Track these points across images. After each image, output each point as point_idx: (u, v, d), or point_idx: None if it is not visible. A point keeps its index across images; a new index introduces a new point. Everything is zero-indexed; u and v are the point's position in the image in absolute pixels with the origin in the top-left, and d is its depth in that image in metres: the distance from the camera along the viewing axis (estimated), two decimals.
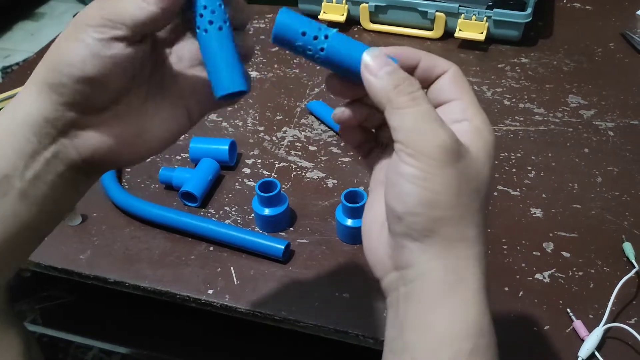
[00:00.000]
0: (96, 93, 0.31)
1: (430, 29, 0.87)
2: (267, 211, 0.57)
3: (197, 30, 0.32)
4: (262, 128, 0.73)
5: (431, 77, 0.32)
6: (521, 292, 0.53)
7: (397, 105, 0.29)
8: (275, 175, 0.66)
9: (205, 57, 0.32)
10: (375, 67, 0.30)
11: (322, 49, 0.31)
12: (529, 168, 0.66)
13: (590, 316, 0.50)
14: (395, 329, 0.31)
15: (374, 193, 0.34)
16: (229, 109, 0.76)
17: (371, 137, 0.36)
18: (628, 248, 0.55)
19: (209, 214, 0.61)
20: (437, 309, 0.29)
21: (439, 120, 0.29)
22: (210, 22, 0.31)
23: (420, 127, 0.28)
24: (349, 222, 0.56)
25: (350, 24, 0.91)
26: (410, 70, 0.32)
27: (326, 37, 0.31)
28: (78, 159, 0.33)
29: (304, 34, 0.31)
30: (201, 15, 0.31)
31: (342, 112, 0.34)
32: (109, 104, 0.32)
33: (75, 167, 0.33)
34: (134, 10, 0.30)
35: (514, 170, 0.65)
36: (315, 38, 0.31)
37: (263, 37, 0.90)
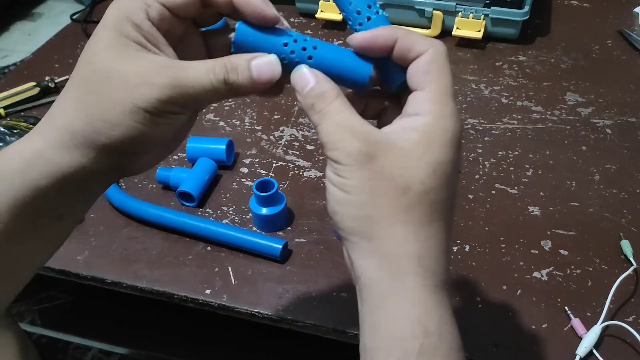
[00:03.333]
0: (146, 148, 0.31)
1: (428, 27, 0.87)
2: (264, 211, 0.57)
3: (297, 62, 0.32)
4: (259, 127, 0.72)
5: (409, 59, 0.31)
6: (519, 290, 0.53)
7: (313, 123, 0.31)
8: (273, 175, 0.66)
9: (338, 74, 0.32)
10: (300, 85, 0.31)
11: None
12: (527, 166, 0.65)
13: (588, 314, 0.50)
14: (360, 327, 0.32)
15: None
16: (226, 108, 0.75)
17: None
18: (626, 245, 0.55)
19: (206, 214, 0.61)
20: (379, 309, 0.30)
21: (348, 126, 0.29)
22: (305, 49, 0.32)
23: (330, 139, 0.30)
24: None
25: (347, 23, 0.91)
26: (390, 50, 0.31)
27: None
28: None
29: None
30: (292, 52, 0.32)
31: None
32: (148, 149, 0.32)
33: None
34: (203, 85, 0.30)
35: (511, 168, 0.65)
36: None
37: None
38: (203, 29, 0.35)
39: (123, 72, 0.29)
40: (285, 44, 0.32)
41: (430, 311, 0.29)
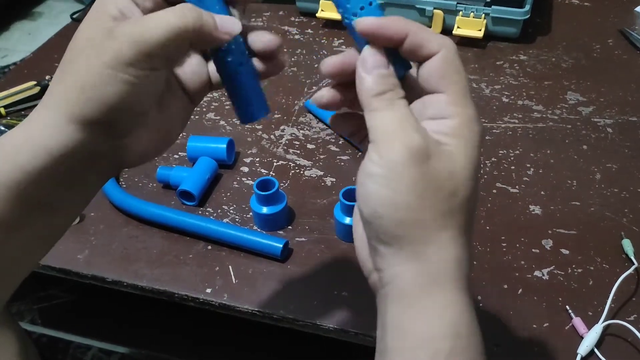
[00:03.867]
0: (127, 120, 0.31)
1: (429, 26, 0.86)
2: (265, 210, 0.57)
3: (223, 67, 0.33)
4: (260, 126, 0.72)
5: (419, 56, 0.30)
6: (520, 290, 0.53)
7: (374, 107, 0.29)
8: (274, 174, 0.65)
9: (229, 90, 0.34)
10: (371, 65, 0.30)
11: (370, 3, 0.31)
12: (528, 165, 0.65)
13: (590, 313, 0.50)
14: (380, 329, 0.31)
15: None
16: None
17: (363, 124, 0.36)
18: (627, 245, 0.55)
19: (207, 213, 0.61)
20: (412, 312, 0.29)
21: (413, 123, 0.29)
22: (235, 62, 0.33)
23: (392, 129, 0.28)
24: (348, 220, 0.55)
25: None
26: (398, 43, 0.30)
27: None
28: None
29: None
30: (227, 57, 0.32)
31: (320, 96, 0.34)
32: (136, 125, 0.32)
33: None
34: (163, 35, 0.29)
35: (512, 167, 0.65)
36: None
37: None
38: None
39: (93, 37, 0.29)
40: None
41: (463, 313, 0.29)
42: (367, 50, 0.30)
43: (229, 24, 0.31)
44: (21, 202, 0.30)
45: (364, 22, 0.30)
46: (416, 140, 0.28)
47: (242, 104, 0.34)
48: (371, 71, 0.30)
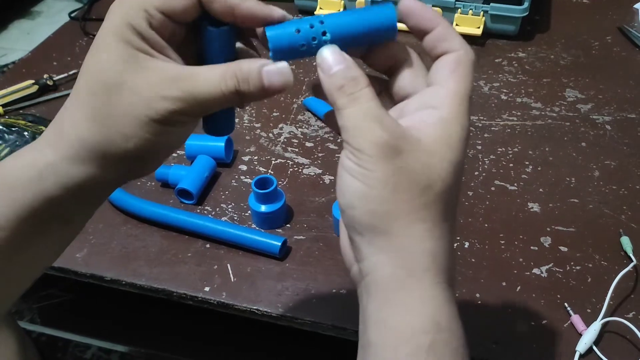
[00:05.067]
0: (156, 156, 0.32)
1: None
2: (263, 208, 0.57)
3: None
4: (258, 125, 0.72)
5: (439, 48, 0.30)
6: (519, 287, 0.53)
7: (339, 105, 0.29)
8: (272, 172, 0.65)
9: None
10: (327, 65, 0.30)
11: (324, 33, 0.30)
12: (526, 163, 0.65)
13: (588, 310, 0.50)
14: (362, 323, 0.31)
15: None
16: None
17: None
18: (625, 242, 0.55)
19: (205, 211, 0.61)
20: (391, 305, 0.29)
21: (379, 116, 0.29)
22: None
23: (357, 125, 0.28)
24: None
25: None
26: (426, 31, 0.31)
27: (321, 22, 0.30)
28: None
29: (298, 31, 0.31)
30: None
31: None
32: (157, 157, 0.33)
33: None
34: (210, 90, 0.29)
35: (511, 165, 0.65)
36: (312, 26, 0.30)
37: None
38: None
39: (134, 84, 0.28)
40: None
41: (442, 307, 0.29)
42: (323, 51, 0.30)
43: (278, 80, 0.30)
44: (40, 220, 0.31)
45: (405, 3, 0.30)
46: (381, 136, 0.28)
47: (210, 121, 0.34)
48: (328, 70, 0.30)
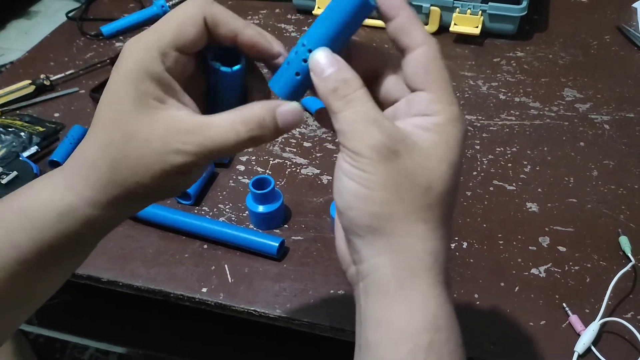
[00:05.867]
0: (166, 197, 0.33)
1: (425, 24, 0.86)
2: (261, 208, 0.57)
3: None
4: None
5: (401, 42, 0.30)
6: (517, 287, 0.52)
7: (334, 109, 0.29)
8: (270, 172, 0.65)
9: None
10: (320, 69, 0.30)
11: (309, 50, 0.30)
12: (525, 162, 0.65)
13: (587, 310, 0.50)
14: (359, 324, 0.31)
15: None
16: None
17: None
18: (624, 242, 0.55)
19: (202, 212, 0.61)
20: (392, 305, 0.29)
21: (375, 119, 0.29)
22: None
23: (354, 129, 0.28)
24: None
25: None
26: (386, 20, 0.30)
27: (303, 44, 0.31)
28: None
29: (297, 74, 0.31)
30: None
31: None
32: None
33: None
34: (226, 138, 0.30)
35: (509, 164, 0.65)
36: (296, 52, 0.31)
37: None
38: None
39: (148, 135, 0.29)
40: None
41: (442, 307, 0.29)
42: (314, 55, 0.30)
43: (291, 120, 0.31)
44: (54, 257, 0.32)
45: None
46: (379, 139, 0.28)
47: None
48: (321, 73, 0.30)
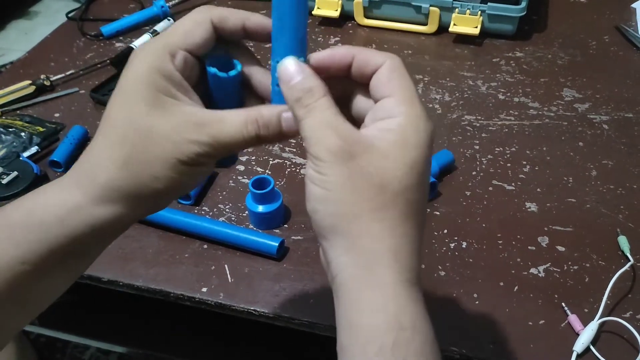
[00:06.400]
0: (175, 195, 0.34)
1: (425, 24, 0.86)
2: (261, 208, 0.57)
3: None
4: None
5: (367, 72, 0.32)
6: (516, 287, 0.53)
7: (297, 117, 0.31)
8: (269, 172, 0.65)
9: None
10: (286, 78, 0.32)
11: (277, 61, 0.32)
12: (524, 162, 0.65)
13: (585, 310, 0.50)
14: (337, 327, 0.32)
15: None
16: None
17: None
18: (623, 241, 0.55)
19: (202, 212, 0.61)
20: (356, 306, 0.30)
21: (333, 124, 0.30)
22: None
23: (314, 135, 0.30)
24: None
25: (344, 20, 0.91)
26: (348, 66, 0.32)
27: (276, 61, 0.33)
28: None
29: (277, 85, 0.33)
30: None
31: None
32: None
33: None
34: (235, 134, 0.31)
35: (508, 164, 0.65)
36: (272, 67, 0.33)
37: None
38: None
39: (163, 129, 0.30)
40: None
41: (405, 306, 0.30)
42: (282, 63, 0.32)
43: (295, 127, 0.32)
44: (62, 256, 0.32)
45: (315, 57, 0.32)
46: (335, 142, 0.29)
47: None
48: (287, 82, 0.31)
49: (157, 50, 0.31)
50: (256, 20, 0.33)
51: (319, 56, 0.33)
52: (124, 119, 0.31)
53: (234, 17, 0.33)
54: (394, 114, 0.30)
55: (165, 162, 0.31)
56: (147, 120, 0.30)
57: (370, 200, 0.30)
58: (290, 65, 0.32)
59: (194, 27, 0.32)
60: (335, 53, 0.32)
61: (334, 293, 0.31)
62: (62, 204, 0.31)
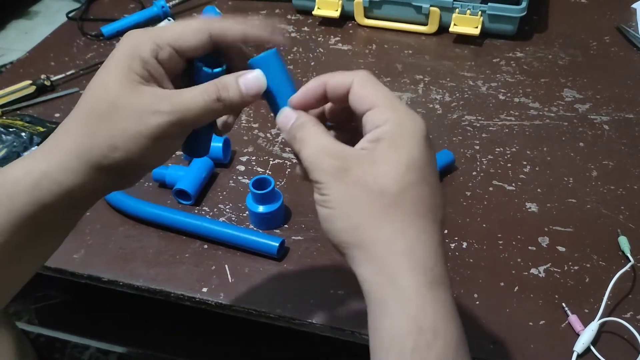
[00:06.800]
0: (145, 169, 0.35)
1: (425, 24, 0.86)
2: (261, 208, 0.57)
3: None
4: (256, 125, 0.72)
5: (341, 94, 0.33)
6: (517, 287, 0.53)
7: (296, 152, 0.33)
8: (270, 172, 0.65)
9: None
10: (284, 126, 0.34)
11: None
12: (524, 163, 0.65)
13: (586, 310, 0.50)
14: (369, 333, 0.32)
15: None
16: None
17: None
18: (623, 242, 0.55)
19: (203, 212, 0.61)
20: (380, 311, 0.30)
21: (324, 147, 0.32)
22: None
23: (311, 162, 0.32)
24: None
25: (344, 20, 0.91)
26: (324, 98, 0.34)
27: None
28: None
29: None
30: None
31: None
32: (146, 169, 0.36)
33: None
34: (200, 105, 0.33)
35: (509, 165, 0.65)
36: None
37: None
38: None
39: (129, 103, 0.32)
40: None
41: (425, 308, 0.29)
42: (278, 118, 0.35)
43: (254, 85, 0.34)
44: (30, 229, 0.33)
45: (293, 101, 0.35)
46: (328, 163, 0.31)
47: (190, 143, 0.38)
48: (285, 129, 0.34)
49: (144, 37, 0.33)
50: (256, 33, 0.35)
51: (295, 97, 0.35)
52: (95, 90, 0.33)
53: (234, 31, 0.34)
54: (379, 123, 0.31)
55: (125, 132, 0.32)
56: (116, 94, 0.32)
57: (372, 207, 0.30)
58: (283, 117, 0.34)
59: (190, 33, 0.33)
60: (308, 89, 0.34)
61: (366, 303, 0.32)
62: (30, 172, 0.32)
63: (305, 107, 0.35)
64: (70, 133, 0.33)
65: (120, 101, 0.32)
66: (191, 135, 0.37)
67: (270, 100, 0.36)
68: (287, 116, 0.34)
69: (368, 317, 0.32)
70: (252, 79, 0.34)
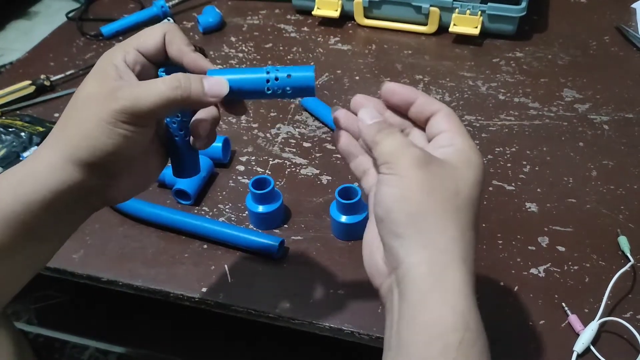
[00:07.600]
0: (118, 164, 0.36)
1: (425, 24, 0.86)
2: (261, 208, 0.57)
3: (166, 132, 0.40)
4: (256, 125, 0.72)
5: (424, 114, 0.37)
6: (516, 287, 0.52)
7: (377, 140, 0.35)
8: (270, 172, 0.65)
9: (170, 150, 0.41)
10: (367, 118, 0.37)
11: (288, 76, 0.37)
12: (524, 162, 0.65)
13: (586, 310, 0.50)
14: (391, 328, 0.32)
15: (372, 215, 0.37)
16: None
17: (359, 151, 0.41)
18: (623, 242, 0.55)
19: (202, 212, 0.61)
20: (425, 303, 0.31)
21: (410, 144, 0.34)
22: (175, 133, 0.40)
23: (395, 149, 0.34)
24: (344, 218, 0.55)
25: (344, 20, 0.91)
26: (407, 106, 0.38)
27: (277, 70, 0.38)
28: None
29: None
30: (172, 125, 0.40)
31: (344, 114, 0.41)
32: (124, 169, 0.37)
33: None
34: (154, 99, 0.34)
35: (508, 165, 0.65)
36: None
37: (257, 33, 0.89)
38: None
39: (94, 93, 0.35)
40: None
41: (471, 308, 0.31)
42: (361, 112, 0.37)
43: (216, 88, 0.36)
44: (16, 230, 0.34)
45: (387, 86, 0.38)
46: (415, 151, 0.33)
47: (174, 164, 0.41)
48: (370, 121, 0.36)
49: (118, 46, 0.37)
50: (192, 57, 0.38)
51: (391, 85, 0.38)
52: (77, 93, 0.36)
53: (176, 47, 0.37)
54: (454, 143, 0.35)
55: (89, 120, 0.34)
56: (89, 92, 0.35)
57: (447, 201, 0.32)
58: (369, 110, 0.37)
59: (149, 38, 0.37)
60: (404, 91, 0.38)
61: (395, 292, 0.33)
62: (14, 172, 0.35)
63: (388, 97, 0.39)
64: (53, 132, 0.36)
65: (88, 95, 0.35)
66: (175, 154, 0.40)
67: (244, 94, 0.38)
68: (369, 112, 0.37)
69: (399, 308, 0.32)
70: (215, 81, 0.36)
